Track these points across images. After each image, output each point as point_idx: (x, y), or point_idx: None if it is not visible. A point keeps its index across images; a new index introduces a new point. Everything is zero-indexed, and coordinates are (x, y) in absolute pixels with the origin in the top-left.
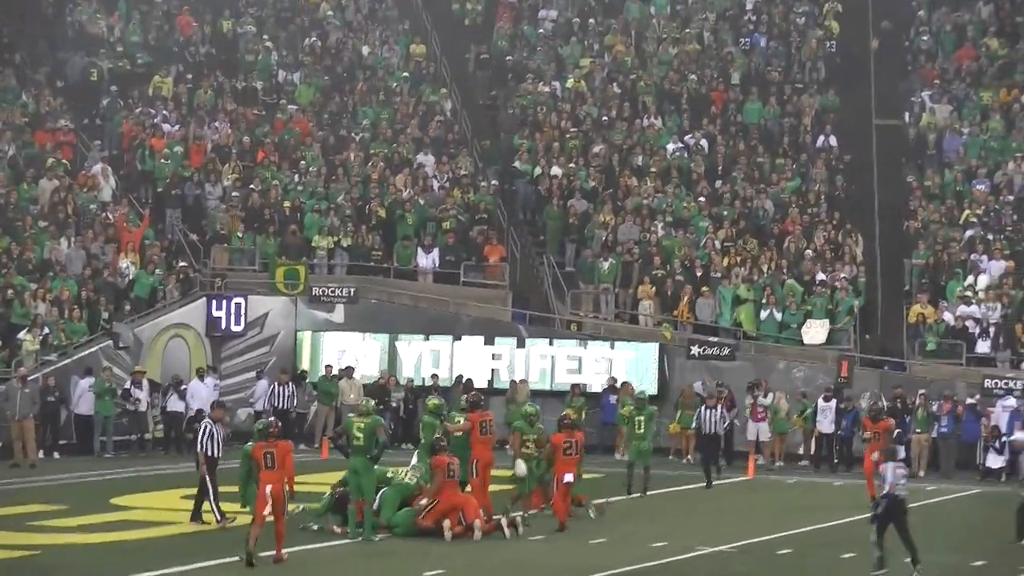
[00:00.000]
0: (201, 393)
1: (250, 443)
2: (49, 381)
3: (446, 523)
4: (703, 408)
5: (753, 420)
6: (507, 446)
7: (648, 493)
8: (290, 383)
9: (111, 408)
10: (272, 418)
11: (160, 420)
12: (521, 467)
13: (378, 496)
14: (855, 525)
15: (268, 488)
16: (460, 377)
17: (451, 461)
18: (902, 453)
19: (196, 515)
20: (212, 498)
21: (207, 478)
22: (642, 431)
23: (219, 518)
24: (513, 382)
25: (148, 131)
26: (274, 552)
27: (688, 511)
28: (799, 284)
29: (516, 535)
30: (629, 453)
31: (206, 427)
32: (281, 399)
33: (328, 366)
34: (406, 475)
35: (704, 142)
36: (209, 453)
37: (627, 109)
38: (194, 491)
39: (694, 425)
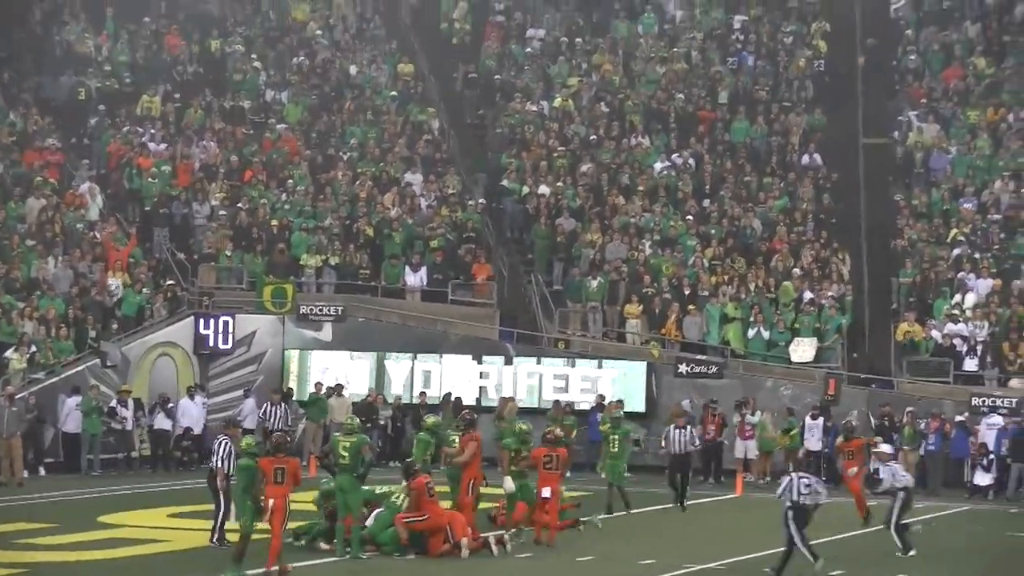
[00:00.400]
0: (191, 411)
1: (246, 459)
2: (30, 399)
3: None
4: (671, 428)
5: (741, 438)
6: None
7: (633, 511)
8: (282, 403)
9: (98, 426)
10: (279, 432)
11: (146, 438)
12: (509, 484)
13: (373, 515)
14: (843, 543)
15: (272, 502)
16: (448, 395)
17: (428, 481)
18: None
19: (220, 535)
20: (223, 517)
21: (223, 496)
22: (616, 450)
23: (220, 539)
24: (502, 399)
25: (136, 150)
26: (264, 568)
27: (676, 529)
28: (790, 293)
29: (504, 552)
30: (605, 472)
31: (225, 444)
32: (274, 419)
33: (318, 384)
34: (400, 499)
35: (692, 161)
36: (228, 471)
37: (615, 128)
38: (182, 509)
39: (663, 445)
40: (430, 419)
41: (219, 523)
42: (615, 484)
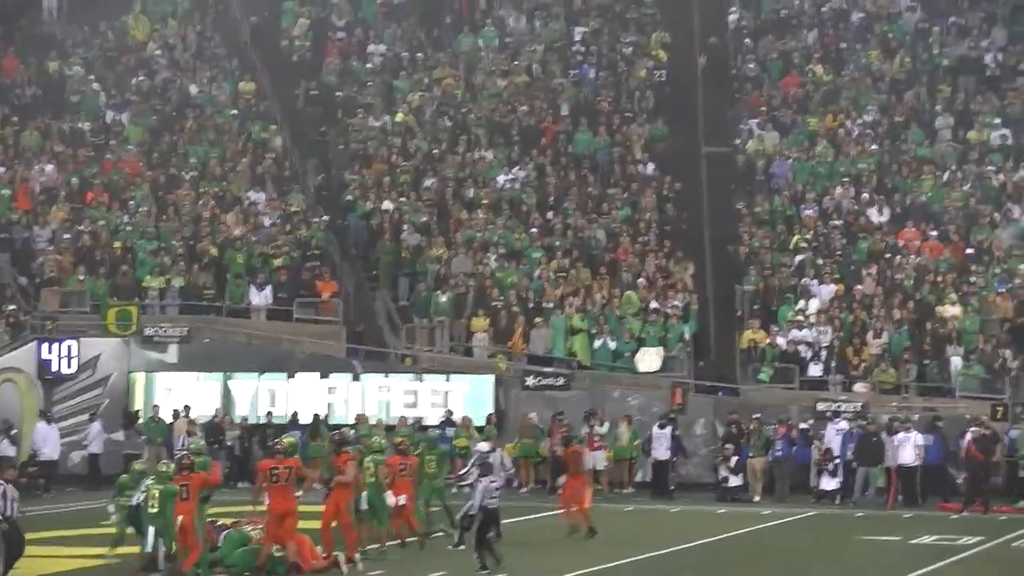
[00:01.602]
0: (51, 436)
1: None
2: None
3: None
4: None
5: (590, 449)
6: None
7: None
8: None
9: None
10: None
11: None
12: (391, 498)
13: (223, 535)
14: (690, 552)
15: (180, 519)
16: (317, 416)
17: (275, 465)
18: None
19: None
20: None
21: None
22: (433, 470)
23: None
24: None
25: None
26: None
27: (521, 543)
28: (635, 303)
29: (355, 570)
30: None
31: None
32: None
33: (155, 406)
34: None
35: (535, 173)
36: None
37: (458, 142)
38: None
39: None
40: (287, 438)
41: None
42: (439, 501)
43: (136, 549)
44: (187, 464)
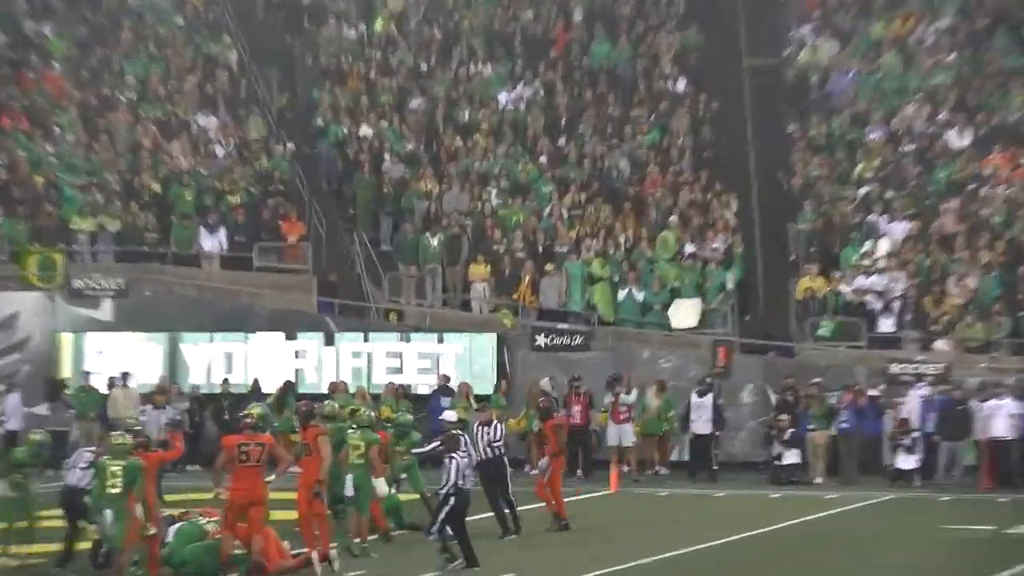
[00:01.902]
0: (21, 409)
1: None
2: None
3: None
4: (476, 426)
5: (615, 421)
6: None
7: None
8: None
9: None
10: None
11: None
12: (383, 487)
13: (172, 530)
14: (736, 546)
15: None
16: (288, 383)
17: (244, 441)
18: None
19: None
20: None
21: None
22: (409, 459)
23: None
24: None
25: None
26: None
27: (535, 537)
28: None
29: (331, 570)
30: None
31: None
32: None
33: (86, 373)
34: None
35: (543, 91)
36: None
37: (450, 55)
38: None
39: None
40: (256, 409)
41: None
42: (420, 491)
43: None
44: (142, 441)
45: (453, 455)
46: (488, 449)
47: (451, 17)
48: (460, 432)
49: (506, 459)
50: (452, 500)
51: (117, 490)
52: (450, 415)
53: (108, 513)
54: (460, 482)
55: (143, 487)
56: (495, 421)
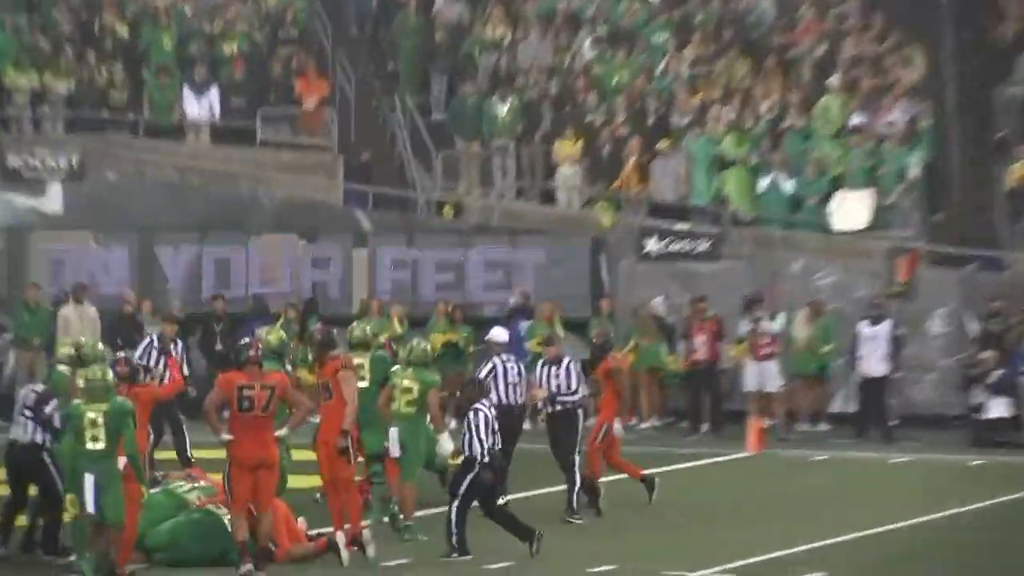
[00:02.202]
0: None
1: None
2: None
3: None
4: (540, 366)
5: (754, 358)
6: None
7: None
8: None
9: None
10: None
11: None
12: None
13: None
14: (923, 531)
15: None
16: (312, 300)
17: (247, 383)
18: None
19: None
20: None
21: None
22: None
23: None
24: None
25: None
26: None
27: (643, 515)
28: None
29: (363, 556)
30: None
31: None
32: None
33: (33, 284)
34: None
35: None
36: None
37: None
38: None
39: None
40: (273, 333)
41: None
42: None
43: None
44: (126, 372)
45: (479, 406)
46: (554, 402)
47: None
48: (491, 373)
49: (580, 413)
50: (476, 468)
51: (100, 445)
52: (499, 333)
53: (89, 478)
54: (487, 444)
55: (133, 435)
56: (567, 361)
